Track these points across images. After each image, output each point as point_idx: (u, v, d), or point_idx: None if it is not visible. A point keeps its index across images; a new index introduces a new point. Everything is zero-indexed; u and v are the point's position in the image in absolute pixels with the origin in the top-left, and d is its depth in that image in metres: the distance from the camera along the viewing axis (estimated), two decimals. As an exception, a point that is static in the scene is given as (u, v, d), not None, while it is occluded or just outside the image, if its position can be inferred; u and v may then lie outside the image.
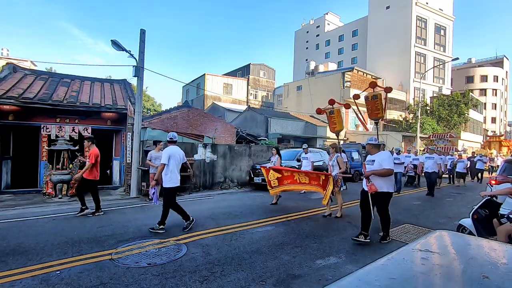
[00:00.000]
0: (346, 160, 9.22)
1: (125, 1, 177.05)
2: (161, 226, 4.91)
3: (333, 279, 3.15)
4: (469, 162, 15.25)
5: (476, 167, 14.86)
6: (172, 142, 5.24)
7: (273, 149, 8.49)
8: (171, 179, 5.05)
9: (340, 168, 6.31)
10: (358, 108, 7.31)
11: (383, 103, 6.85)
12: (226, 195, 9.36)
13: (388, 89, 6.86)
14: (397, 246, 4.00)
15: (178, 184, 5.20)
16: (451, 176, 13.72)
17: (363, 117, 7.65)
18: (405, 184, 11.72)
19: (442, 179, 12.70)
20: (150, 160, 7.95)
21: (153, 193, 5.75)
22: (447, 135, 21.56)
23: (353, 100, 7.71)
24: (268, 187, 7.42)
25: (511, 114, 63.93)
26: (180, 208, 5.18)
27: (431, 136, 21.97)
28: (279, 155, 8.15)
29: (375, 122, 7.29)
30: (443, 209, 7.44)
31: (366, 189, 4.49)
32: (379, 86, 6.89)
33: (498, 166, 22.76)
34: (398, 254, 1.46)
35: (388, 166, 4.29)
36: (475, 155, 15.90)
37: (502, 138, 30.55)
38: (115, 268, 3.40)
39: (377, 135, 8.02)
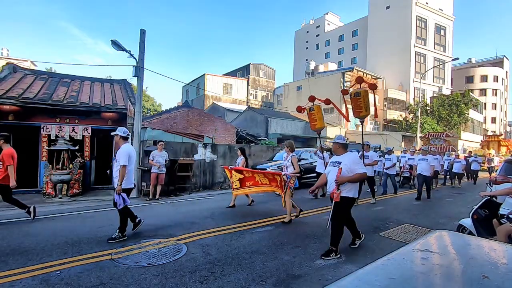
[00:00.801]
0: (328, 160, 8.92)
1: (125, 1, 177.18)
2: (124, 233, 4.48)
3: (333, 279, 3.15)
4: (465, 163, 14.90)
5: (471, 168, 14.37)
6: (126, 139, 4.80)
7: (238, 149, 8.06)
8: (127, 180, 4.60)
9: (294, 169, 5.78)
10: (345, 101, 7.20)
11: (367, 101, 6.56)
12: (226, 195, 9.35)
13: (373, 86, 6.64)
14: (397, 246, 4.00)
15: (133, 186, 4.78)
16: (446, 176, 13.27)
17: (348, 109, 7.40)
18: (399, 185, 11.21)
19: (438, 180, 12.42)
20: (152, 160, 8.01)
21: (120, 199, 4.68)
22: (443, 134, 21.00)
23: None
24: (231, 189, 7.20)
25: (511, 114, 63.98)
26: (131, 212, 4.76)
27: (428, 135, 21.42)
28: (244, 156, 7.67)
29: (360, 121, 7.12)
30: (443, 209, 7.44)
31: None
32: (366, 82, 6.64)
33: (495, 166, 22.24)
34: (398, 254, 1.46)
35: (361, 170, 3.85)
36: (471, 155, 15.35)
37: (501, 137, 29.73)
38: (115, 268, 3.40)
39: (362, 134, 7.82)
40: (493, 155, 24.20)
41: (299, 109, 7.97)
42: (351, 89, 6.98)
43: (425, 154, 9.15)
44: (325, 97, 8.23)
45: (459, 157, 12.89)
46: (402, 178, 11.74)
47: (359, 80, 6.71)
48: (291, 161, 5.84)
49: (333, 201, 3.92)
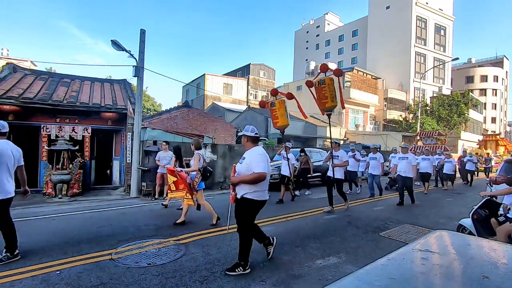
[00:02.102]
0: (293, 162, 8.53)
1: (125, 1, 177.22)
2: (13, 253, 3.55)
3: (333, 279, 3.15)
4: (458, 163, 13.87)
5: (466, 168, 13.32)
6: (1, 134, 3.62)
7: (163, 142, 8.02)
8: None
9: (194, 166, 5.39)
10: (313, 95, 6.25)
11: (333, 90, 5.83)
12: (226, 195, 9.34)
13: (337, 72, 5.90)
14: (397, 246, 4.00)
15: (11, 195, 3.69)
16: (438, 178, 12.32)
17: (317, 100, 6.39)
18: (385, 187, 10.40)
19: (430, 182, 11.34)
20: (158, 160, 8.06)
21: None
22: (435, 133, 19.87)
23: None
24: (168, 191, 6.43)
25: (511, 114, 64.00)
26: (12, 229, 3.64)
27: (419, 134, 20.44)
28: (176, 154, 6.95)
29: (326, 114, 6.28)
30: (443, 209, 7.44)
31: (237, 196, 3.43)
32: (330, 69, 5.93)
33: (492, 166, 21.84)
34: (398, 254, 1.46)
35: (257, 170, 3.20)
36: (466, 155, 14.27)
37: (498, 137, 29.12)
38: (115, 268, 3.40)
39: (330, 131, 7.30)
40: (491, 155, 23.84)
41: (262, 104, 7.31)
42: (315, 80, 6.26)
43: (405, 152, 8.01)
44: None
45: (450, 157, 11.73)
46: (389, 179, 10.98)
47: (323, 68, 5.97)
48: (193, 159, 5.43)
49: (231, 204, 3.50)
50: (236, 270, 3.25)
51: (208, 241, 4.41)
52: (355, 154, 9.61)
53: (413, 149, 15.79)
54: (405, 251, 1.50)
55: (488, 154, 20.22)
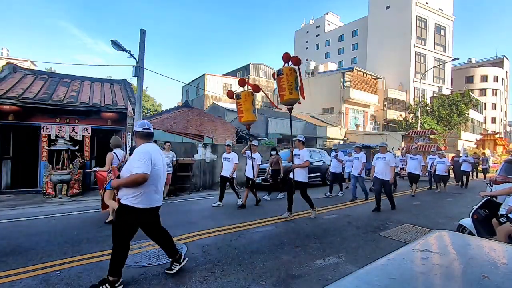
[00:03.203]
0: (259, 162, 7.86)
1: (125, 1, 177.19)
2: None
3: (333, 279, 3.15)
4: (451, 163, 12.90)
5: (461, 169, 12.30)
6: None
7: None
8: None
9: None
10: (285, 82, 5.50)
11: (292, 82, 5.26)
12: (226, 195, 9.34)
13: (295, 60, 5.31)
14: (397, 246, 4.00)
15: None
16: (431, 179, 11.56)
17: (293, 89, 5.64)
18: (370, 189, 9.37)
19: (419, 183, 10.56)
20: None
21: None
22: (427, 131, 18.79)
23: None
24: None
25: (511, 114, 64.00)
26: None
27: (410, 133, 19.36)
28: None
29: (287, 109, 5.87)
30: (443, 209, 7.44)
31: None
32: (292, 58, 5.33)
33: (489, 167, 21.40)
34: (398, 254, 1.45)
35: (136, 170, 2.73)
36: (460, 155, 13.28)
37: (497, 136, 27.89)
38: (115, 268, 3.39)
39: (291, 128, 6.41)
40: (488, 155, 22.77)
41: (229, 94, 6.69)
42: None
43: (384, 152, 7.21)
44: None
45: (443, 157, 10.92)
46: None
47: (285, 57, 5.36)
48: (106, 158, 5.24)
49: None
50: (101, 287, 2.78)
51: (208, 241, 4.41)
52: (337, 155, 9.09)
53: (409, 149, 15.32)
54: (405, 251, 1.50)
55: (484, 153, 19.11)
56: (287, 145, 17.69)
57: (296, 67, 5.37)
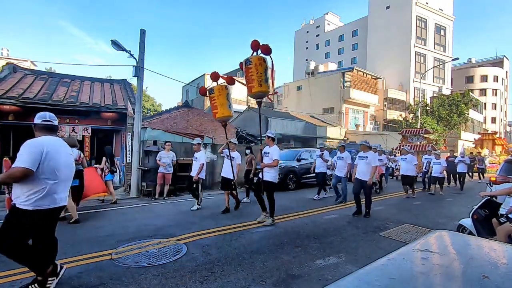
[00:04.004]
0: (239, 162, 7.15)
1: (125, 1, 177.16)
2: None
3: (333, 279, 3.15)
4: (447, 164, 12.06)
5: (458, 170, 11.62)
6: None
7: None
8: None
9: None
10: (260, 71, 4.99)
11: (262, 73, 4.85)
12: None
13: (265, 48, 4.87)
14: (397, 246, 4.00)
15: None
16: (425, 180, 11.02)
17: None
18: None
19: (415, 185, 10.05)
20: (159, 160, 8.10)
21: None
22: (422, 130, 17.81)
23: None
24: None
25: (511, 114, 64.01)
26: None
27: (404, 132, 18.54)
28: (108, 155, 7.04)
29: (256, 103, 5.43)
30: (443, 209, 7.44)
31: None
32: (261, 47, 4.91)
33: (486, 167, 20.96)
34: (398, 254, 1.45)
35: (16, 164, 2.38)
36: (455, 155, 12.49)
37: (495, 136, 27.46)
38: (115, 268, 3.40)
39: (260, 124, 5.99)
40: (485, 155, 22.26)
41: (202, 92, 6.35)
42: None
43: (366, 150, 6.66)
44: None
45: (439, 158, 10.34)
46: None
47: (253, 45, 4.89)
48: None
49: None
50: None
51: (208, 241, 4.41)
52: (323, 154, 8.60)
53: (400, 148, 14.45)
54: (405, 251, 1.50)
55: (480, 153, 18.11)
56: (287, 145, 17.72)
57: (267, 57, 4.94)
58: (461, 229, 4.08)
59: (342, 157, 7.94)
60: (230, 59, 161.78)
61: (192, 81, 34.98)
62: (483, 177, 15.77)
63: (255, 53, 4.95)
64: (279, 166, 10.15)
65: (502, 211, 3.66)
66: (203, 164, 6.90)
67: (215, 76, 5.87)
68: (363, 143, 6.84)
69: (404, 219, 6.07)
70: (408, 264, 1.35)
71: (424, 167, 10.94)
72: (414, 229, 5.33)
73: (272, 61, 5.02)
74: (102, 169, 7.53)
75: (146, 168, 8.73)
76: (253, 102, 34.87)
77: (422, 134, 17.22)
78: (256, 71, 4.81)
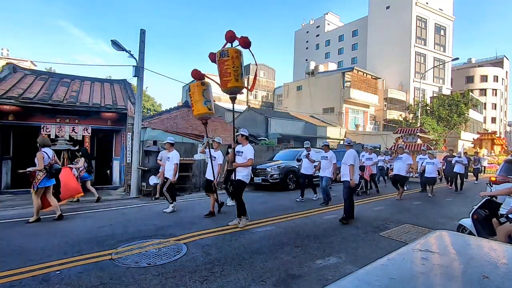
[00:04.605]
0: (220, 162, 6.75)
1: (125, 1, 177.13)
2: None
3: (333, 279, 3.15)
4: (442, 163, 11.98)
5: (454, 170, 11.09)
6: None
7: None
8: None
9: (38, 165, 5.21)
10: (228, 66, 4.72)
11: (239, 67, 4.57)
12: (226, 195, 9.34)
13: (244, 41, 4.52)
14: (397, 246, 4.00)
15: None
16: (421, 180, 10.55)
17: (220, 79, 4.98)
18: (357, 193, 9.02)
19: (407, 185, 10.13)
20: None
21: None
22: (417, 130, 17.16)
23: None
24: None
25: (511, 114, 64.00)
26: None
27: (399, 131, 17.89)
28: (83, 155, 7.36)
29: (230, 98, 5.19)
30: (443, 209, 7.44)
31: None
32: (238, 38, 4.62)
33: (485, 167, 19.82)
34: (398, 254, 1.45)
35: None
36: (453, 154, 12.11)
37: (494, 135, 27.25)
38: (115, 268, 3.40)
39: (233, 121, 6.02)
40: (483, 154, 22.04)
41: (196, 74, 5.75)
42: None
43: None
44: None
45: (433, 157, 9.96)
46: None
47: (228, 36, 4.60)
48: (37, 157, 5.22)
49: None
50: None
51: (208, 241, 4.41)
52: (309, 154, 8.22)
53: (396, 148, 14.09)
54: (405, 251, 1.50)
55: (477, 153, 17.14)
56: (287, 145, 17.70)
57: (246, 50, 4.61)
58: (461, 229, 4.08)
59: (327, 157, 7.53)
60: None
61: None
62: (477, 177, 15.02)
63: (229, 45, 4.65)
64: (279, 166, 10.25)
65: (502, 211, 3.66)
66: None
67: (195, 74, 5.66)
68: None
69: (404, 219, 6.07)
70: (408, 264, 1.35)
71: (419, 167, 10.67)
72: (414, 229, 5.33)
73: (253, 56, 4.77)
74: (78, 169, 7.54)
75: (146, 168, 8.73)
76: (253, 102, 34.91)
77: (417, 133, 16.69)
78: (233, 64, 4.49)
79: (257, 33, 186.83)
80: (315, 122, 25.91)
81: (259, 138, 18.17)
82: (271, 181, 10.09)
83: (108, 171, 11.35)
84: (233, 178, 5.37)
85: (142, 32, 9.32)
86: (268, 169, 10.21)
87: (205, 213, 6.21)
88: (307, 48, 52.13)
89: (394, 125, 31.98)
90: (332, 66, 37.72)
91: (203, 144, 7.20)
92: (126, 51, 8.95)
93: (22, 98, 8.35)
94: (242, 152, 5.30)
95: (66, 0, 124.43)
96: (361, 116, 31.00)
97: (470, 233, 3.82)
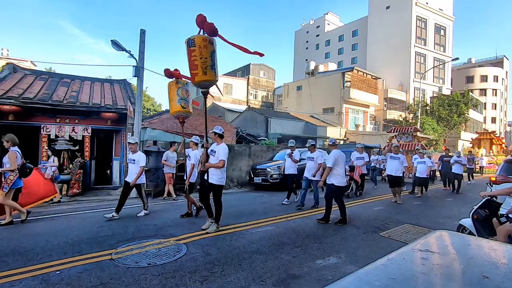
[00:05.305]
0: (193, 162, 6.19)
1: (125, 1, 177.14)
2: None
3: (333, 279, 3.15)
4: (438, 164, 11.62)
5: (452, 171, 10.49)
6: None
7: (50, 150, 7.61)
8: None
9: (10, 165, 5.05)
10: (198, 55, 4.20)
11: (208, 58, 4.07)
12: (226, 195, 9.31)
13: (209, 28, 4.03)
14: (397, 246, 3.99)
15: None
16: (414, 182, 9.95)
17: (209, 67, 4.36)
18: (348, 195, 8.77)
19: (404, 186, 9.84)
20: (166, 160, 8.12)
21: None
22: (411, 128, 16.49)
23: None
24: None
25: (511, 114, 63.99)
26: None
27: (392, 130, 17.12)
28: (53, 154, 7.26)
29: (202, 93, 4.71)
30: (443, 209, 7.44)
31: None
32: (204, 25, 4.11)
33: (483, 167, 19.67)
34: (398, 254, 1.45)
35: None
36: (450, 154, 11.59)
37: (493, 135, 26.63)
38: (115, 268, 3.40)
39: (206, 120, 5.12)
40: (482, 155, 21.82)
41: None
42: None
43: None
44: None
45: (424, 157, 9.49)
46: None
47: (199, 21, 4.05)
48: (8, 157, 5.01)
49: None
50: None
51: (208, 241, 4.41)
52: (292, 153, 7.75)
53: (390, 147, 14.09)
54: (405, 251, 1.50)
55: (470, 152, 16.31)
56: (287, 145, 17.69)
57: (213, 38, 4.16)
58: (461, 229, 4.08)
59: (313, 158, 7.08)
60: (230, 59, 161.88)
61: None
62: (472, 178, 14.25)
63: (200, 32, 4.17)
64: (279, 166, 10.24)
65: (502, 211, 3.66)
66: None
67: (168, 73, 5.54)
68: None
69: (404, 219, 6.07)
70: (408, 264, 1.35)
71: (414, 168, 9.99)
72: (414, 229, 5.34)
73: (224, 40, 4.17)
74: (47, 168, 7.31)
75: (146, 168, 8.72)
76: (253, 102, 34.94)
77: (411, 132, 16.19)
78: (200, 55, 3.98)
79: (257, 33, 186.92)
80: (315, 122, 25.91)
81: (259, 138, 18.17)
82: (271, 181, 10.09)
83: (108, 171, 11.36)
84: (206, 180, 4.89)
85: (142, 32, 9.33)
86: (268, 169, 10.21)
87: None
88: (307, 48, 52.12)
89: (394, 125, 32.01)
90: (332, 66, 37.71)
91: (180, 143, 6.92)
92: (126, 51, 8.96)
93: (22, 98, 8.35)
94: (215, 151, 4.88)
95: (67, 0, 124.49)
96: (361, 116, 31.00)
97: (470, 233, 3.82)
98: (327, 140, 23.45)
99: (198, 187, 5.98)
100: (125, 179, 6.13)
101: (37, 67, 34.65)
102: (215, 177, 4.82)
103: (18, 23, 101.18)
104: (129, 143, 6.13)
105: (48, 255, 3.77)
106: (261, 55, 4.61)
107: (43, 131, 9.01)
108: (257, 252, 3.96)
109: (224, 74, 37.32)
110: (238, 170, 11.51)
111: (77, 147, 8.77)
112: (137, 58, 9.11)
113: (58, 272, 3.27)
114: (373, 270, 1.29)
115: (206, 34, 4.14)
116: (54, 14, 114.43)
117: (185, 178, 6.24)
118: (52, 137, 9.03)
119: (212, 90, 4.97)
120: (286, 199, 7.70)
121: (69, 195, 8.21)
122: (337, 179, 5.53)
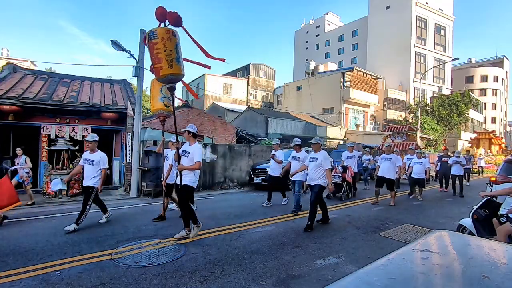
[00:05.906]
0: (171, 162, 5.79)
1: (126, 1, 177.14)
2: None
3: (333, 279, 3.15)
4: (435, 164, 11.18)
5: (452, 172, 9.93)
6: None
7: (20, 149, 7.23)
8: None
9: None
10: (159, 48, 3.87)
11: (173, 50, 3.83)
12: (226, 195, 9.36)
13: (172, 17, 3.89)
14: (397, 246, 3.99)
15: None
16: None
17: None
18: (329, 196, 8.35)
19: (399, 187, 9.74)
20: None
21: None
22: (405, 127, 16.05)
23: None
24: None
25: (511, 114, 64.00)
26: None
27: (387, 129, 16.53)
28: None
29: (168, 89, 4.41)
30: (443, 209, 7.44)
31: None
32: (169, 15, 3.96)
33: (481, 167, 19.12)
34: (398, 254, 1.45)
35: None
36: (449, 154, 11.13)
37: (492, 135, 26.39)
38: (115, 268, 3.40)
39: (174, 119, 4.87)
40: (481, 155, 21.47)
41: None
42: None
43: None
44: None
45: (421, 157, 9.22)
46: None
47: (158, 13, 3.90)
48: None
49: None
50: None
51: (208, 241, 4.41)
52: (274, 155, 7.36)
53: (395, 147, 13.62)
54: (405, 251, 1.50)
55: (468, 152, 15.61)
56: (287, 145, 17.66)
57: (176, 31, 3.97)
58: (461, 229, 4.08)
59: (298, 158, 6.66)
60: (230, 59, 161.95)
61: (192, 81, 34.97)
62: (468, 180, 13.10)
63: (161, 24, 3.98)
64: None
65: (502, 211, 3.66)
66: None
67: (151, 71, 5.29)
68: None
69: (404, 219, 6.07)
70: (408, 264, 1.35)
71: (407, 167, 9.64)
72: (414, 229, 5.34)
73: (189, 35, 4.02)
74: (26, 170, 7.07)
75: (146, 168, 8.72)
76: (253, 102, 34.93)
77: (405, 132, 15.75)
78: (164, 47, 3.75)
79: (257, 33, 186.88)
80: (315, 122, 25.91)
81: (259, 138, 18.17)
82: (259, 182, 10.10)
83: (108, 171, 11.36)
84: (179, 183, 4.52)
85: (142, 32, 9.32)
86: (268, 169, 10.19)
87: (205, 213, 6.20)
88: (307, 48, 52.10)
89: (394, 125, 32.00)
90: (332, 66, 37.71)
91: (159, 142, 6.64)
92: (126, 51, 8.95)
93: (22, 98, 8.35)
94: (188, 152, 4.54)
95: (67, 0, 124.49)
96: (361, 116, 31.00)
97: (470, 233, 3.82)
98: (327, 140, 23.51)
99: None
100: (83, 185, 5.40)
101: (37, 67, 34.65)
102: (187, 178, 4.49)
103: (18, 23, 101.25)
104: (86, 140, 5.46)
105: (48, 255, 3.77)
106: (222, 60, 4.53)
107: (43, 131, 9.01)
108: (257, 252, 3.96)
109: (224, 74, 37.34)
110: (238, 170, 11.51)
111: (77, 147, 8.76)
112: (137, 58, 9.11)
113: (58, 272, 3.27)
114: (373, 270, 1.29)
115: (170, 26, 3.95)
116: (54, 14, 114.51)
117: (161, 179, 5.85)
118: (52, 137, 9.03)
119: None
120: (284, 199, 7.68)
121: (69, 195, 8.21)
122: (324, 179, 5.32)
